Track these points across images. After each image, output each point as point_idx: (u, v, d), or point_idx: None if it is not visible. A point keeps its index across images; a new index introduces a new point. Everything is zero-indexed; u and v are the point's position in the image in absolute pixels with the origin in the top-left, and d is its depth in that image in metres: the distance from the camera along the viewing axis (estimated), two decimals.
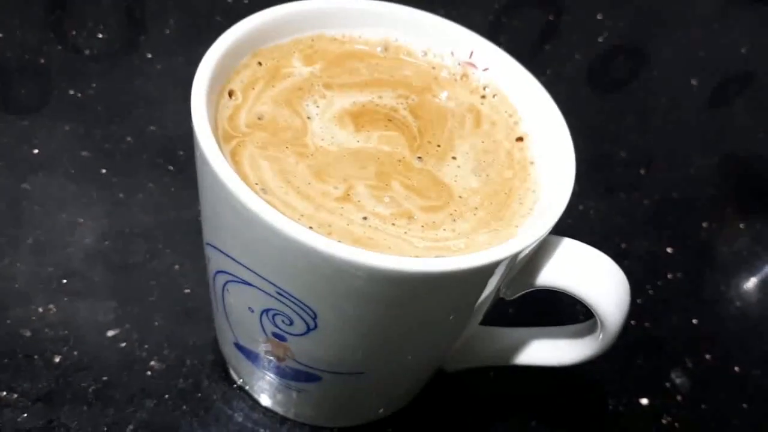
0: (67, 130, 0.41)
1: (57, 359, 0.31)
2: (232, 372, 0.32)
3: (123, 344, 0.32)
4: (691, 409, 0.37)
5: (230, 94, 0.25)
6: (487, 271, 0.21)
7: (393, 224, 0.22)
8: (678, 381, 0.38)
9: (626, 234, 0.45)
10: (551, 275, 0.24)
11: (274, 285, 0.22)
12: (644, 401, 0.36)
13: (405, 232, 0.22)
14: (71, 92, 0.43)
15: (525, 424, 0.34)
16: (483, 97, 0.28)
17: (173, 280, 0.35)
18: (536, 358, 0.28)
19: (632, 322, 0.40)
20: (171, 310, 0.34)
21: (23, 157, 0.39)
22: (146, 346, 0.32)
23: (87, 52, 0.47)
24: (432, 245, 0.22)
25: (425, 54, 0.29)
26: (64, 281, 0.34)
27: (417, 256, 0.21)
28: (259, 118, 0.24)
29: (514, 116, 0.28)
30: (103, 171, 0.39)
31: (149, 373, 0.32)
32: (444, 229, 0.23)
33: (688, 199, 0.49)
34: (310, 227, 0.21)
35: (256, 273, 0.22)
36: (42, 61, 0.45)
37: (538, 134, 0.27)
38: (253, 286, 0.23)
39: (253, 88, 0.25)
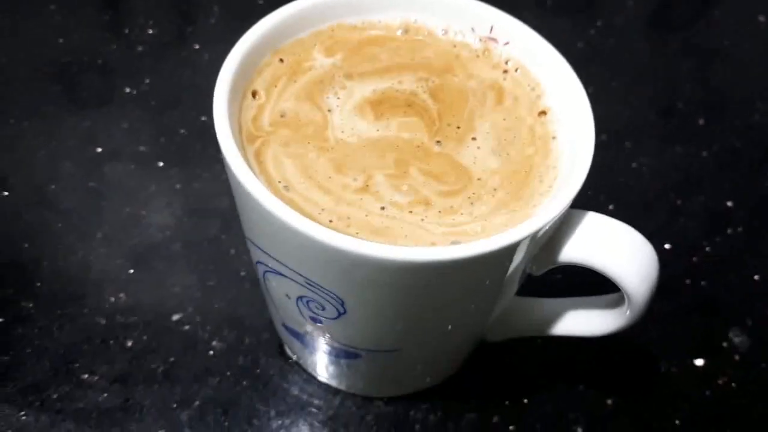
0: (126, 127, 0.44)
1: (129, 343, 0.34)
2: (286, 349, 0.34)
3: (187, 327, 0.35)
4: (750, 369, 0.36)
5: (254, 94, 0.26)
6: (501, 254, 0.21)
7: (410, 212, 0.23)
8: (736, 340, 0.37)
9: (682, 190, 0.44)
10: (573, 251, 0.24)
11: (302, 275, 0.23)
12: (699, 362, 0.36)
13: (422, 219, 0.23)
14: (127, 90, 0.46)
15: (574, 389, 0.34)
16: (505, 71, 0.28)
17: (229, 265, 0.37)
18: (568, 328, 0.29)
19: (687, 281, 0.39)
20: (229, 293, 0.36)
21: (88, 157, 0.42)
22: (208, 328, 0.35)
23: (140, 48, 0.49)
24: (448, 230, 0.23)
25: (445, 32, 0.29)
26: (131, 271, 0.37)
27: (433, 243, 0.22)
28: (282, 115, 0.26)
29: (537, 89, 0.27)
30: (160, 164, 0.42)
31: (211, 352, 0.34)
32: (461, 214, 0.23)
33: (750, 148, 0.47)
34: (330, 220, 0.22)
35: (284, 265, 0.23)
36: (99, 61, 0.48)
37: (560, 107, 0.26)
38: (285, 276, 0.24)
39: (276, 86, 0.26)
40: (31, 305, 0.35)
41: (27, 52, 0.48)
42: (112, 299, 0.35)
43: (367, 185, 0.24)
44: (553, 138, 0.26)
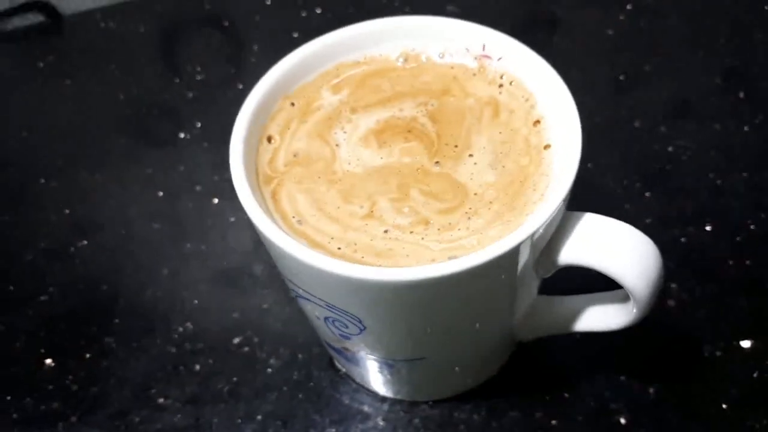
0: (182, 170, 0.48)
1: (197, 368, 0.38)
2: (335, 362, 0.37)
3: (246, 348, 0.38)
4: None
5: (269, 139, 0.29)
6: (496, 264, 0.23)
7: (411, 232, 0.25)
8: None
9: (722, 168, 0.43)
10: (572, 253, 0.25)
11: (321, 299, 0.26)
12: (746, 344, 0.36)
13: (422, 238, 0.25)
14: (181, 135, 0.50)
15: (615, 380, 0.35)
16: (501, 86, 0.29)
17: (281, 289, 0.41)
18: (586, 325, 0.30)
19: (730, 261, 0.39)
20: (282, 314, 0.40)
21: (151, 200, 0.46)
22: (265, 348, 0.38)
23: (190, 94, 0.54)
24: (447, 246, 0.24)
25: (442, 56, 0.31)
26: (196, 302, 0.41)
27: (432, 260, 0.24)
28: (295, 155, 0.28)
29: (531, 100, 0.29)
30: (215, 201, 0.46)
31: (269, 370, 0.37)
32: (459, 229, 0.25)
33: None
34: (339, 248, 0.25)
35: (304, 290, 0.26)
36: (155, 111, 0.53)
37: (553, 117, 0.27)
38: (310, 300, 0.27)
39: (289, 128, 0.29)
40: (112, 340, 0.39)
41: (95, 110, 0.53)
42: (180, 329, 0.39)
43: (372, 211, 0.26)
44: (546, 146, 0.27)
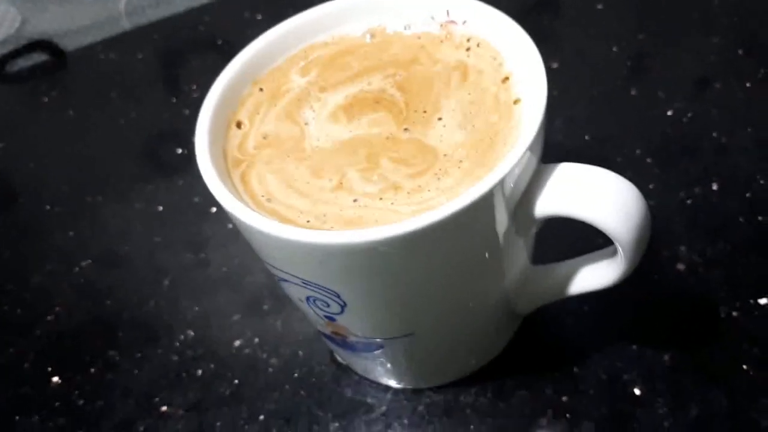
0: (181, 184, 0.48)
1: (199, 373, 0.37)
2: (336, 355, 0.36)
3: (247, 350, 0.38)
4: None
5: (239, 125, 0.29)
6: (461, 217, 0.22)
7: (380, 199, 0.24)
8: None
9: (727, 126, 0.41)
10: (547, 203, 0.24)
11: (297, 276, 0.25)
12: (763, 301, 0.34)
13: (392, 203, 0.24)
14: (179, 150, 0.51)
15: (627, 350, 0.33)
16: (468, 49, 0.29)
17: (279, 289, 0.40)
18: (581, 286, 0.28)
19: (740, 218, 0.37)
20: (281, 313, 0.39)
21: (153, 215, 0.47)
22: (266, 348, 0.38)
23: (186, 111, 0.54)
24: (417, 208, 0.24)
25: (408, 28, 0.30)
26: (196, 309, 0.40)
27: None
28: (264, 137, 0.28)
29: (498, 58, 0.28)
30: (213, 210, 0.46)
31: (270, 369, 0.37)
32: (429, 190, 0.24)
33: None
34: (308, 221, 0.24)
35: (278, 269, 0.25)
36: (155, 132, 0.54)
37: (521, 72, 0.27)
38: (286, 280, 0.26)
39: (258, 113, 0.29)
40: (116, 353, 0.39)
41: (97, 136, 0.54)
42: (182, 336, 0.39)
43: (341, 183, 0.25)
44: (516, 101, 0.26)
